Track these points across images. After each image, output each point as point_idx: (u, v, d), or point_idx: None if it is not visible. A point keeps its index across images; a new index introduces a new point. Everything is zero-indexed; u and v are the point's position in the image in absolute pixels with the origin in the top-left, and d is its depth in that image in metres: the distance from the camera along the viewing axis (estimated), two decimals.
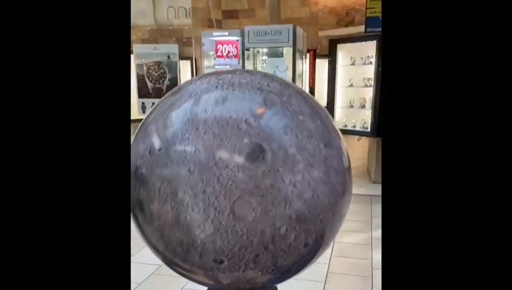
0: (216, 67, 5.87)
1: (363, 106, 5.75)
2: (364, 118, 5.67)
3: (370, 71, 5.51)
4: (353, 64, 5.92)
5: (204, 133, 1.13)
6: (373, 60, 5.49)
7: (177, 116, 1.19)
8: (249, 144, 1.11)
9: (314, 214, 1.16)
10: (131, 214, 1.30)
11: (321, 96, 7.24)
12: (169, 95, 1.32)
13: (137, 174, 1.20)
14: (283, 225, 1.13)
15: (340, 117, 6.09)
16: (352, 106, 5.93)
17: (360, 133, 5.75)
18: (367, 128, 5.63)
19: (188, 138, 1.13)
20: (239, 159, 1.10)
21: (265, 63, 6.17)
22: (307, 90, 7.80)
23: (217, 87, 1.22)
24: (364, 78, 5.69)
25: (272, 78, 1.30)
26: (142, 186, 1.18)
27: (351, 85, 5.94)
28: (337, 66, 6.08)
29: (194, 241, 1.14)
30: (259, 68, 6.24)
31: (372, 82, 5.47)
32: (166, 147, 1.16)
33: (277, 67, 5.89)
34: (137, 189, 1.20)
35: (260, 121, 1.14)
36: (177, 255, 1.20)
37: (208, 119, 1.15)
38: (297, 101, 1.23)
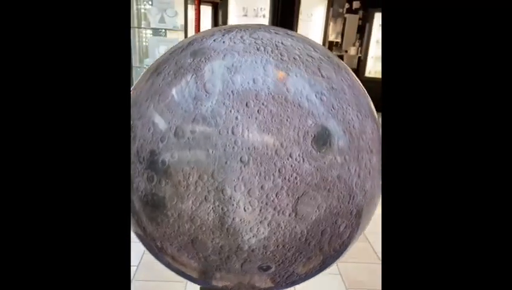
0: None
1: None
2: None
3: (263, 23, 5.37)
4: (245, 15, 5.71)
5: (258, 111, 0.86)
6: (266, 12, 5.35)
7: (212, 86, 0.89)
8: (313, 126, 0.88)
9: (370, 206, 1.00)
10: (134, 217, 0.98)
11: None
12: (180, 51, 0.98)
13: (155, 162, 0.88)
14: (343, 222, 0.95)
15: None
16: None
17: None
18: None
19: (237, 118, 0.85)
20: (305, 147, 0.87)
21: (151, 3, 5.60)
22: None
23: (258, 49, 0.94)
24: None
25: (309, 42, 1.06)
26: (165, 178, 0.88)
27: None
28: (228, 16, 5.83)
29: (239, 247, 0.90)
30: (142, 8, 5.65)
31: None
32: (203, 127, 0.86)
33: (165, 11, 5.41)
34: (156, 182, 0.89)
35: (322, 97, 0.91)
36: (208, 264, 0.94)
37: (260, 93, 0.88)
38: (349, 74, 1.02)
